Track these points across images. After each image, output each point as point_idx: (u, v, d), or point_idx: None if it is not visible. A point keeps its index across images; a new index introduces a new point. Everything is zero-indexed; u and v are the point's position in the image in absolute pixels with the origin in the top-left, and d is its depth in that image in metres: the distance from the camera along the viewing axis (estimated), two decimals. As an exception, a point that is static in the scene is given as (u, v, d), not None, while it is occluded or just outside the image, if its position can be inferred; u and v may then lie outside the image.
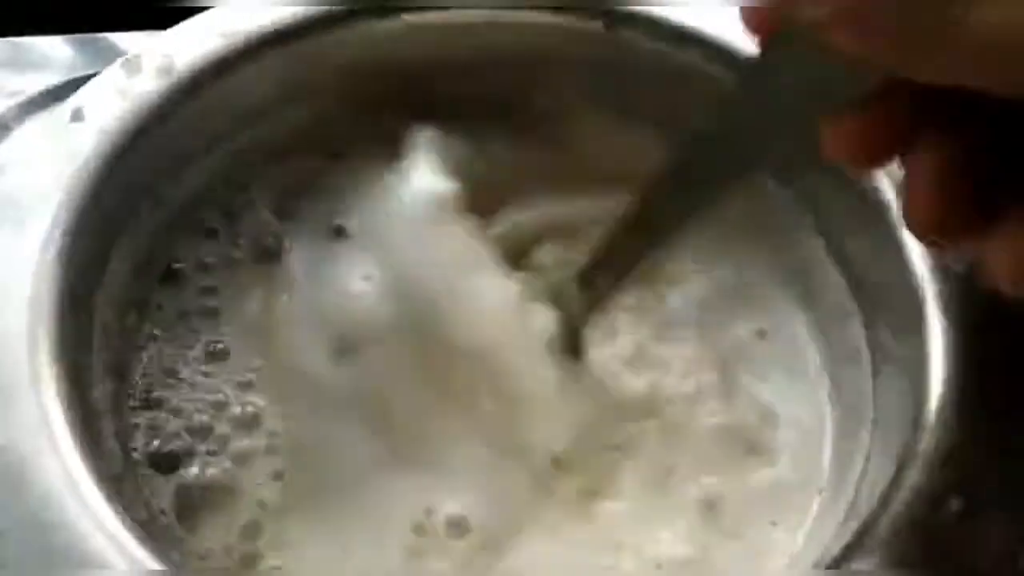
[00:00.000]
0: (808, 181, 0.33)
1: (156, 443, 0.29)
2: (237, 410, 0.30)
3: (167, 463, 0.29)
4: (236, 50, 0.33)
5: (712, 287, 0.33)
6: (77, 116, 0.30)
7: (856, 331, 0.31)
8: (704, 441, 0.30)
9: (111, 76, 0.32)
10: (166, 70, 0.32)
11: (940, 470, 0.24)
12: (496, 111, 0.35)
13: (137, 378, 0.30)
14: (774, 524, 0.29)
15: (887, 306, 0.29)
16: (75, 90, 0.38)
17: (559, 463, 0.29)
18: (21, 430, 0.23)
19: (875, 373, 0.30)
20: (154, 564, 0.21)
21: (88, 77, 0.35)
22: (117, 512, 0.22)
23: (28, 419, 0.24)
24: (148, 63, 0.32)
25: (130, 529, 0.22)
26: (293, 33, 0.33)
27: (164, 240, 0.33)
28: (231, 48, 0.33)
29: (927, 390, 0.26)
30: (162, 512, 0.27)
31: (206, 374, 0.31)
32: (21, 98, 0.50)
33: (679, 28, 0.33)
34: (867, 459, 0.28)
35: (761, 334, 0.33)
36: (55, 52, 0.48)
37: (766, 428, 0.31)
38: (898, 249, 0.29)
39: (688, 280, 0.34)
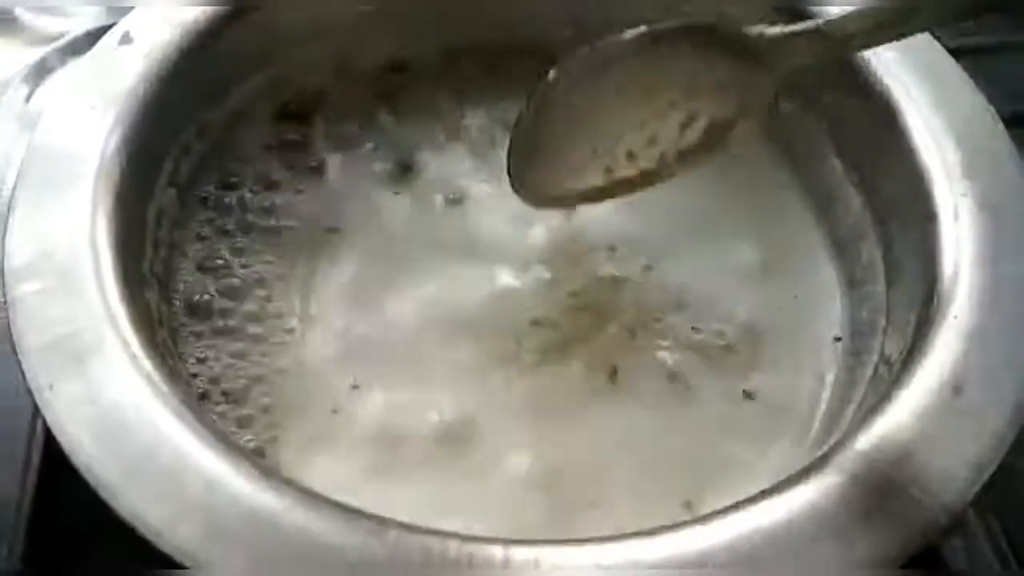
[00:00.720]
0: (829, 104, 0.34)
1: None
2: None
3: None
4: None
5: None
6: (125, 39, 0.32)
7: (872, 249, 0.32)
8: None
9: (157, 2, 0.33)
10: (211, -4, 0.33)
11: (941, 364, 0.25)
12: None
13: (180, 287, 0.32)
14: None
15: (902, 225, 0.30)
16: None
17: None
18: (88, 321, 0.25)
19: (889, 286, 0.31)
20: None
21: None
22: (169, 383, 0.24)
23: (94, 312, 0.25)
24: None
25: (185, 403, 0.24)
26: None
27: (208, 160, 0.34)
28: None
29: (934, 298, 0.27)
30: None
31: (242, 286, 0.32)
32: (62, 42, 0.51)
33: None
34: (877, 363, 0.29)
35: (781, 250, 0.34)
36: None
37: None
38: (914, 169, 0.30)
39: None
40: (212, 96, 0.34)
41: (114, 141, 0.29)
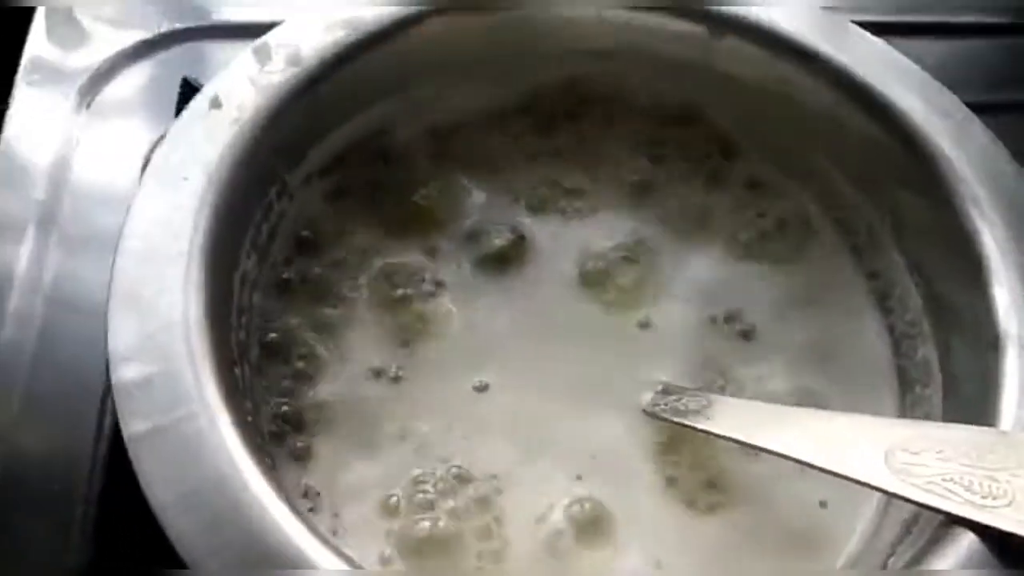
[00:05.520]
0: (892, 199, 0.35)
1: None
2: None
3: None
4: (358, 38, 0.35)
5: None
6: (215, 103, 0.32)
7: (929, 351, 0.33)
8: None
9: (243, 64, 0.33)
10: (294, 58, 0.34)
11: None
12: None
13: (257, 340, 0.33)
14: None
15: (962, 328, 0.31)
16: (169, 43, 0.44)
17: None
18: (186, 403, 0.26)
19: (945, 395, 0.31)
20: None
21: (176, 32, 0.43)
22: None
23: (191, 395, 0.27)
24: (276, 51, 0.34)
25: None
26: (409, 22, 0.36)
27: (285, 220, 0.35)
28: (354, 36, 0.35)
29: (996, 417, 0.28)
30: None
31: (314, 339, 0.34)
32: (118, 48, 0.52)
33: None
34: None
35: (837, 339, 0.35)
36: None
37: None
38: (978, 271, 0.30)
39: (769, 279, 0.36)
40: (293, 156, 0.35)
41: (205, 214, 0.30)
